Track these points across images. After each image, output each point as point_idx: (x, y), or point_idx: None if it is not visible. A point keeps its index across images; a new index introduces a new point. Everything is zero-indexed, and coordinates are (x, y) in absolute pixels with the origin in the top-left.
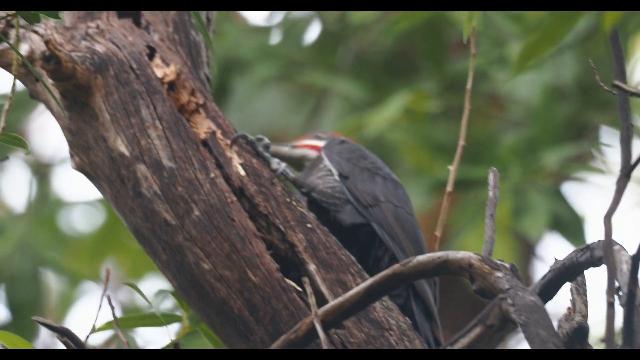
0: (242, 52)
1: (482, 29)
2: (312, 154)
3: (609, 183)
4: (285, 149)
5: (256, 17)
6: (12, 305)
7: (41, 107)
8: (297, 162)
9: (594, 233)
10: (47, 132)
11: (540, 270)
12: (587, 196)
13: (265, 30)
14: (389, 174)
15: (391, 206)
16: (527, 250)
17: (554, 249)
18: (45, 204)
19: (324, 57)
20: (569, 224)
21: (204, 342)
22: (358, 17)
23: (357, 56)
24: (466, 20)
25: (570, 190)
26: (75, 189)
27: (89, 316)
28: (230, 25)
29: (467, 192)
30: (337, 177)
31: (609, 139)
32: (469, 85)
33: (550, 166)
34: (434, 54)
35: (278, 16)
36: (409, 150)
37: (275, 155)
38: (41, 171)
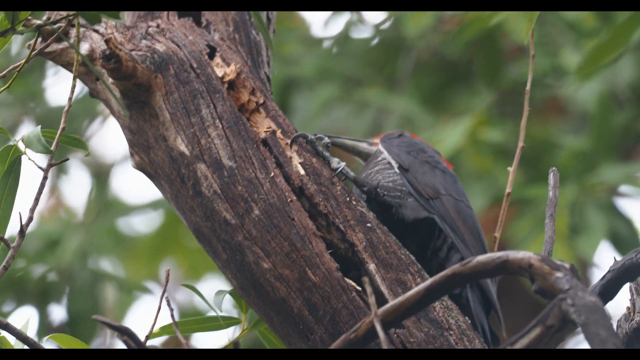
0: (302, 71)
1: (536, 39)
2: (364, 145)
3: None
4: (365, 145)
5: (315, 27)
6: (70, 315)
7: (101, 109)
8: (350, 151)
9: None
10: (106, 136)
11: (598, 276)
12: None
13: (323, 42)
14: (447, 168)
15: (452, 199)
16: (584, 263)
17: (610, 257)
18: (104, 206)
19: (382, 70)
20: (625, 239)
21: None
22: (412, 27)
23: (415, 66)
24: (527, 21)
25: (626, 205)
26: (134, 190)
27: (147, 316)
28: (289, 33)
29: (526, 207)
30: (397, 170)
31: None
32: (528, 86)
33: (607, 182)
34: (490, 64)
35: (335, 26)
36: (470, 156)
37: (321, 138)
38: (100, 173)
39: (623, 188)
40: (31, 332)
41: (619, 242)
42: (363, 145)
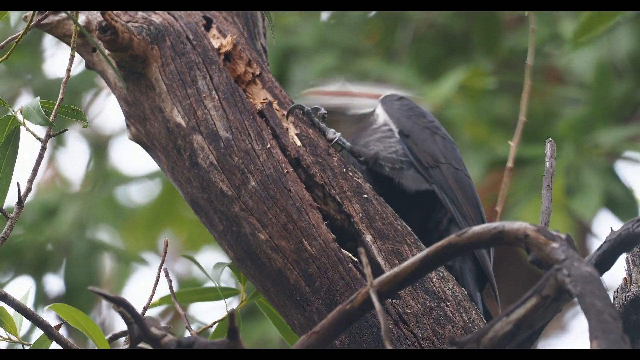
0: (300, 40)
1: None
2: (367, 103)
3: None
4: (335, 102)
5: None
6: (67, 285)
7: (99, 82)
8: (338, 112)
9: None
10: (105, 107)
11: (596, 246)
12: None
13: (321, 14)
14: (446, 134)
15: (452, 168)
16: (582, 228)
17: (609, 226)
18: (102, 178)
19: (380, 42)
20: (622, 203)
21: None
22: None
23: (413, 38)
24: None
25: (624, 170)
26: (132, 162)
27: (146, 288)
28: None
29: (523, 168)
30: (397, 136)
31: None
32: (528, 60)
33: (604, 145)
34: (488, 32)
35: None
36: (468, 125)
37: (317, 109)
38: (98, 144)
39: (626, 153)
40: (29, 303)
41: (617, 208)
42: (358, 103)
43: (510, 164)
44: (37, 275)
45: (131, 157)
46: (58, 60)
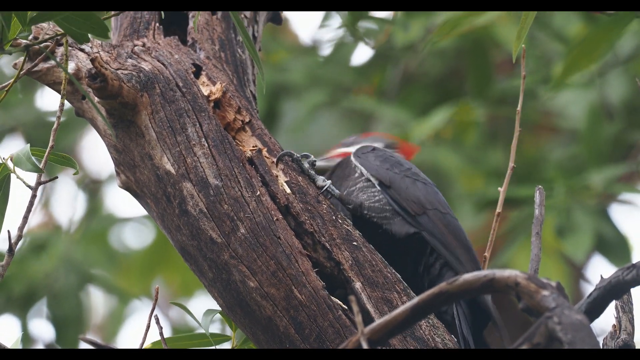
0: (291, 77)
1: (526, 49)
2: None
3: None
4: (322, 163)
5: (304, 36)
6: (56, 321)
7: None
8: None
9: (639, 255)
10: (97, 149)
11: (589, 291)
12: (633, 218)
13: (312, 51)
14: (426, 179)
15: (439, 213)
16: (575, 273)
17: (601, 271)
18: (95, 220)
19: (372, 80)
20: (614, 245)
21: None
22: (402, 38)
23: (404, 79)
24: (516, 39)
25: (616, 212)
26: (126, 206)
27: (139, 334)
28: (278, 45)
29: (514, 210)
30: (378, 187)
31: None
32: (519, 107)
33: (595, 186)
34: (480, 74)
35: (325, 35)
36: (463, 176)
37: (307, 156)
38: (91, 188)
39: (617, 196)
40: (15, 344)
41: (609, 251)
42: (322, 164)
43: (499, 209)
44: (24, 312)
45: (125, 201)
46: (49, 94)
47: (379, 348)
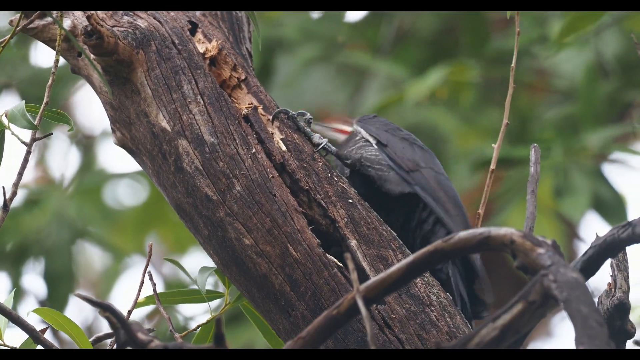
0: (285, 32)
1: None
2: (341, 137)
3: None
4: (319, 127)
5: None
6: (48, 277)
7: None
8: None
9: (635, 214)
10: (90, 105)
11: (583, 250)
12: (627, 177)
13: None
14: (424, 146)
15: (432, 172)
16: (570, 232)
17: (596, 229)
18: (88, 176)
19: (366, 36)
20: (610, 204)
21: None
22: None
23: (399, 36)
24: None
25: (612, 171)
26: (120, 162)
27: (133, 290)
28: None
29: (510, 170)
30: (375, 146)
31: None
32: (513, 63)
33: (592, 146)
34: (475, 33)
35: None
36: (458, 136)
37: (303, 113)
38: (84, 144)
39: (613, 155)
40: (8, 300)
41: (605, 210)
42: (319, 128)
43: (493, 166)
44: (16, 267)
45: (118, 158)
46: (44, 50)
47: (376, 307)
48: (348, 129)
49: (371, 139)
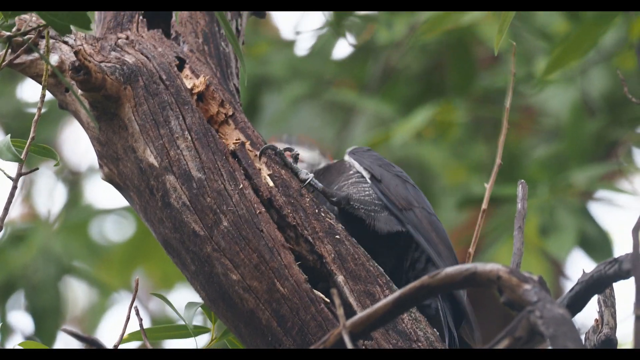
0: (273, 70)
1: (508, 47)
2: (307, 155)
3: (636, 204)
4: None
5: (286, 30)
6: (34, 312)
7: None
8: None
9: (621, 252)
10: (77, 141)
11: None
12: (615, 216)
13: (294, 44)
14: (415, 185)
15: (425, 212)
16: (556, 270)
17: (582, 266)
18: (74, 211)
19: (353, 73)
20: (596, 242)
21: None
22: (385, 36)
23: (386, 73)
24: (497, 33)
25: (598, 210)
26: (107, 198)
27: (120, 326)
28: (260, 38)
29: (497, 208)
30: (369, 181)
31: (639, 160)
32: (507, 104)
33: (578, 184)
34: (462, 71)
35: (307, 30)
36: (446, 170)
37: (290, 149)
38: (70, 179)
39: (598, 193)
40: None
41: (591, 248)
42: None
43: (484, 205)
44: (2, 303)
45: (105, 193)
46: (31, 85)
47: (363, 342)
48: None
49: (365, 173)
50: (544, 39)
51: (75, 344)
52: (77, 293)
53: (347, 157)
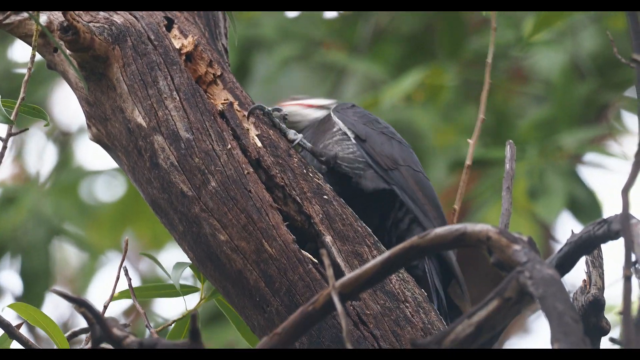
0: (263, 32)
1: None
2: (298, 110)
3: (626, 167)
4: (292, 106)
5: None
6: (24, 275)
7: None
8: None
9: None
10: (67, 101)
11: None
12: (604, 179)
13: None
14: (402, 139)
15: (411, 170)
16: (545, 233)
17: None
18: (65, 173)
19: (343, 35)
20: (585, 205)
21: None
22: None
23: (376, 35)
24: None
25: (588, 173)
26: (97, 158)
27: (110, 287)
28: None
29: (487, 170)
30: (353, 141)
31: (629, 122)
32: (489, 58)
33: (567, 148)
34: (452, 34)
35: None
36: (435, 133)
37: (278, 109)
38: (61, 140)
39: (588, 157)
40: None
41: (580, 211)
42: (309, 112)
43: (468, 162)
44: None
45: (95, 154)
46: (20, 46)
47: (351, 303)
48: (319, 102)
49: (349, 133)
50: None
51: (64, 305)
52: (68, 254)
53: (331, 114)
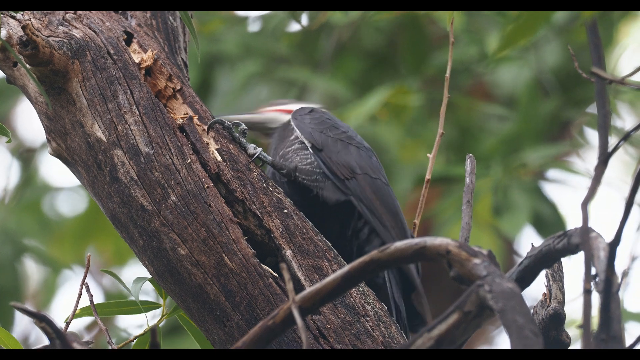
0: (225, 48)
1: (463, 27)
2: (277, 117)
3: (588, 183)
4: (245, 116)
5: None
6: None
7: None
8: (260, 128)
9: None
10: (30, 117)
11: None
12: (567, 196)
13: (247, 21)
14: (361, 142)
15: (368, 178)
16: (508, 248)
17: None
18: (28, 189)
19: (306, 52)
20: (549, 222)
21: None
22: (341, 18)
23: (338, 52)
24: (449, 15)
25: (551, 190)
26: (60, 174)
27: (72, 303)
28: (212, 15)
29: (451, 186)
30: (310, 150)
31: (591, 139)
32: (448, 73)
33: (531, 164)
34: (415, 50)
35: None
36: (402, 149)
37: (238, 124)
38: (25, 157)
39: (551, 173)
40: None
41: (544, 227)
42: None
43: (428, 176)
44: None
45: (59, 169)
46: None
47: (311, 317)
48: (290, 107)
49: (306, 142)
50: (497, 16)
51: (26, 320)
52: (31, 270)
53: (290, 120)
